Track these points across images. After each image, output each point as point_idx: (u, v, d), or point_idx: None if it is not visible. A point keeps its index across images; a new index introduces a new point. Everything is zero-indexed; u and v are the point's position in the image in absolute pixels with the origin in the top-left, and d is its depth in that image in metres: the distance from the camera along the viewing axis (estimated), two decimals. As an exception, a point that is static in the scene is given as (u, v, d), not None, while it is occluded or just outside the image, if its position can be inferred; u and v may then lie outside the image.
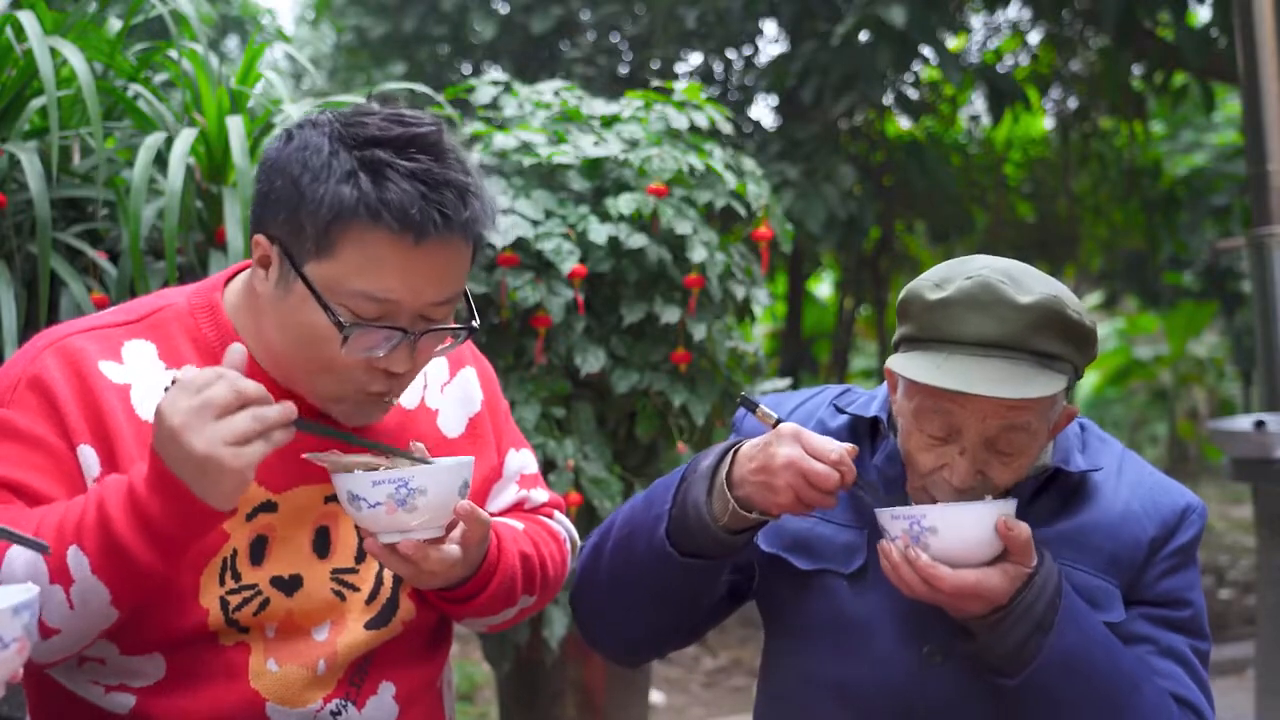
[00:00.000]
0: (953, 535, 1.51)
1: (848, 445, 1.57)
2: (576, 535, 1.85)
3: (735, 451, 1.61)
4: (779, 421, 1.61)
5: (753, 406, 1.66)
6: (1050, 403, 1.58)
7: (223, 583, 1.53)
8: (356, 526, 1.57)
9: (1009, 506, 1.54)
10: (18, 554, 1.37)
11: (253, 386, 1.35)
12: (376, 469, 1.48)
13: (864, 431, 1.75)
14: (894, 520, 1.54)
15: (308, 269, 1.47)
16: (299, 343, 1.51)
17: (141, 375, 1.54)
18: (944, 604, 1.54)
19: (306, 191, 1.46)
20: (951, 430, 1.57)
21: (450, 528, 1.52)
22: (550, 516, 1.85)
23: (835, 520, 1.71)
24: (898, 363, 1.58)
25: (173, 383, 1.36)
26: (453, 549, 1.51)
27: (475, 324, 1.60)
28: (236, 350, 1.39)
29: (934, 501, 1.61)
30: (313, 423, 1.50)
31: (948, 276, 1.58)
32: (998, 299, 1.53)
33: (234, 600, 1.53)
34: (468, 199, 1.49)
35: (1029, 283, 1.56)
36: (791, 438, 1.55)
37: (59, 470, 1.48)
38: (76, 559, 1.37)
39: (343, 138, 1.48)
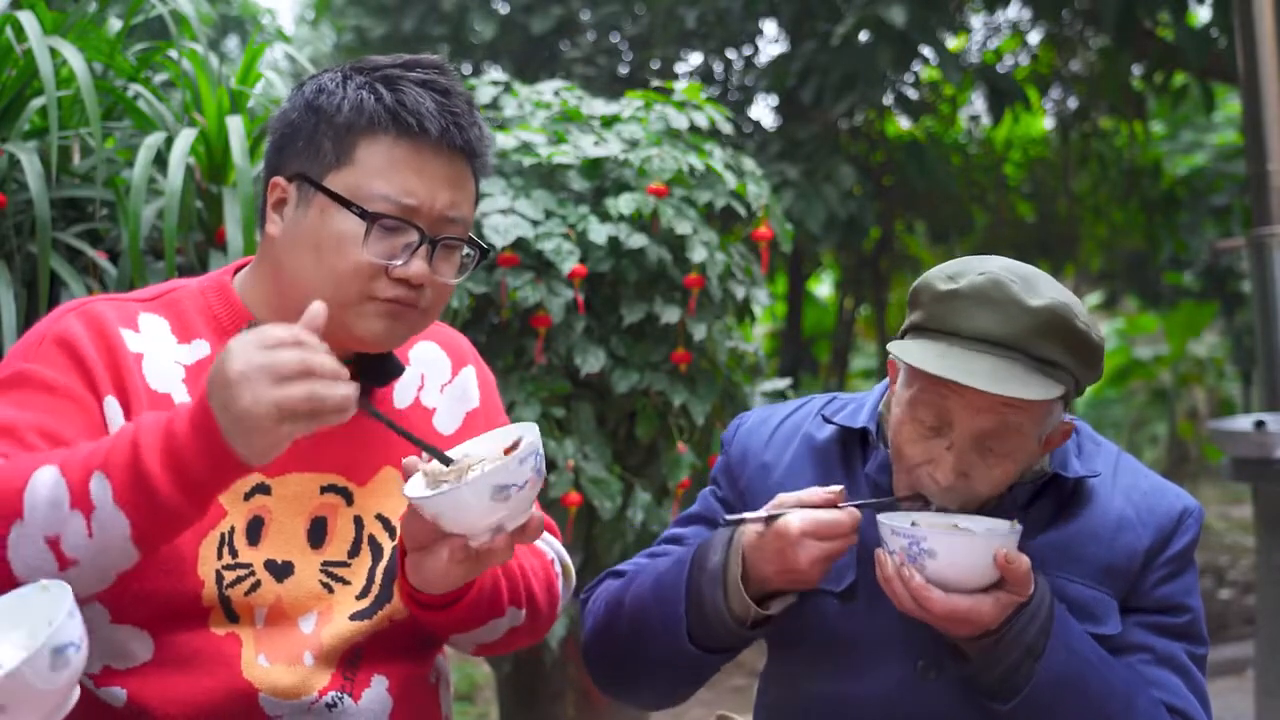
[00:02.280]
0: (950, 561, 1.50)
1: (836, 489, 1.58)
2: (567, 557, 1.82)
3: (739, 545, 1.61)
4: (771, 518, 1.58)
5: (739, 522, 1.63)
6: (1044, 410, 1.57)
7: (220, 556, 1.54)
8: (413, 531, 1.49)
9: (1012, 538, 1.53)
10: (43, 477, 1.35)
11: (324, 362, 1.30)
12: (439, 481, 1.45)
13: (854, 442, 1.75)
14: (894, 535, 1.53)
15: (327, 180, 1.53)
16: (318, 255, 1.53)
17: (154, 347, 1.57)
18: (932, 624, 1.54)
19: (324, 107, 1.55)
20: (944, 422, 1.57)
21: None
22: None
23: None
24: (900, 348, 1.59)
25: (251, 324, 1.34)
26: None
27: (487, 249, 1.65)
28: (317, 310, 1.34)
29: (919, 499, 1.61)
30: (375, 409, 1.46)
31: (961, 270, 1.59)
32: (1008, 298, 1.54)
33: (229, 576, 1.54)
34: (474, 114, 1.59)
35: (1042, 288, 1.57)
36: (801, 537, 1.55)
37: (87, 420, 1.49)
38: (100, 486, 1.34)
39: (355, 68, 1.59)
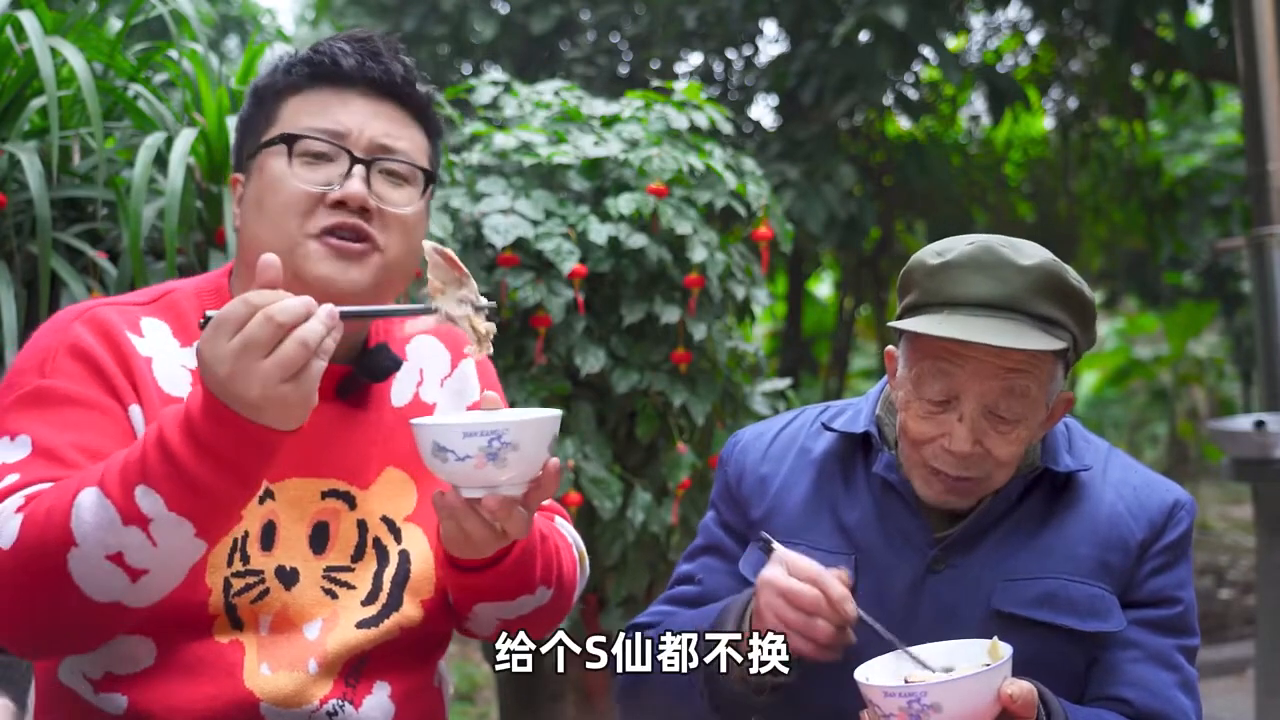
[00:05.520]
0: (958, 710, 1.41)
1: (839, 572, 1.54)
2: (582, 545, 1.82)
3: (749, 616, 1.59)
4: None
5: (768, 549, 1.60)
6: (1048, 371, 1.58)
7: (231, 563, 1.52)
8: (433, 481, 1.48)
9: (1006, 663, 1.44)
10: (85, 501, 1.33)
11: (291, 307, 1.28)
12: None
13: (855, 447, 1.75)
14: (889, 698, 1.41)
15: (264, 140, 1.58)
16: (260, 207, 1.56)
17: (160, 350, 1.56)
18: None
19: (257, 87, 1.62)
20: (951, 394, 1.58)
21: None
22: (551, 519, 1.82)
23: (822, 548, 1.69)
24: (903, 322, 1.59)
25: (205, 320, 1.29)
26: (524, 512, 1.46)
27: (434, 172, 1.65)
28: (269, 262, 1.32)
29: (933, 476, 1.61)
30: (355, 309, 1.43)
31: (949, 245, 1.61)
32: (1000, 261, 1.56)
33: (237, 584, 1.52)
34: (397, 51, 1.62)
35: (1029, 250, 1.59)
36: (774, 561, 1.55)
37: (117, 428, 1.47)
38: (149, 498, 1.32)
39: (288, 52, 1.64)
